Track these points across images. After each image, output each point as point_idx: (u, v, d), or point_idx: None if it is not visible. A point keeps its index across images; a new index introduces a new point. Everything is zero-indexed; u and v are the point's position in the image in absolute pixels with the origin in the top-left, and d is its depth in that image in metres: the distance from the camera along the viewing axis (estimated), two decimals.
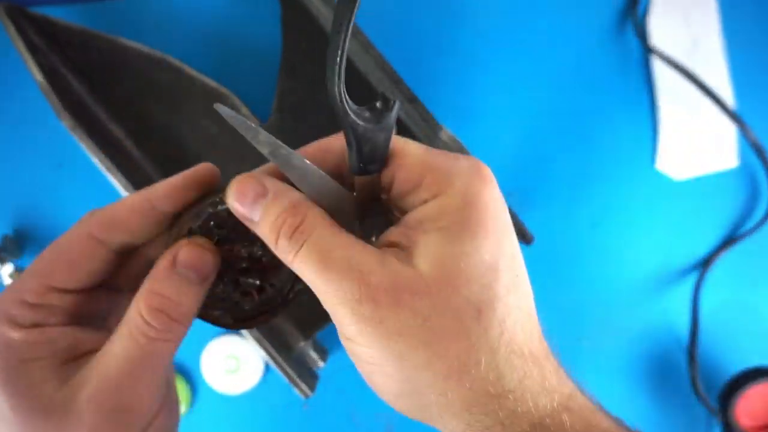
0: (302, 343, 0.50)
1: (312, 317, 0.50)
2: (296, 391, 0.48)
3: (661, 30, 0.54)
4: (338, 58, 0.21)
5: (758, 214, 0.54)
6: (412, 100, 0.44)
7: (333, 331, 0.57)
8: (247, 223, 0.22)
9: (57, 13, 0.49)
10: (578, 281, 0.54)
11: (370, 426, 0.56)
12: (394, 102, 0.22)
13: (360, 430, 0.56)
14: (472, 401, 0.20)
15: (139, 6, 0.53)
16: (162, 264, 0.22)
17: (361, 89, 0.46)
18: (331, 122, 0.48)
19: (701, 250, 0.54)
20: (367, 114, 0.22)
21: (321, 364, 0.52)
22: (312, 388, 0.49)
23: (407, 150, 0.22)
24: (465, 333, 0.20)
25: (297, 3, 0.45)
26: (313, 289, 0.21)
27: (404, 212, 0.22)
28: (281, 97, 0.48)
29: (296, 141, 0.49)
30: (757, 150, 0.52)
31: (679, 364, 0.54)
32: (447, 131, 0.45)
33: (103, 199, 0.53)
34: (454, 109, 0.53)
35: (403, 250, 0.21)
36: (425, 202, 0.21)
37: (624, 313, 0.54)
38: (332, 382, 0.55)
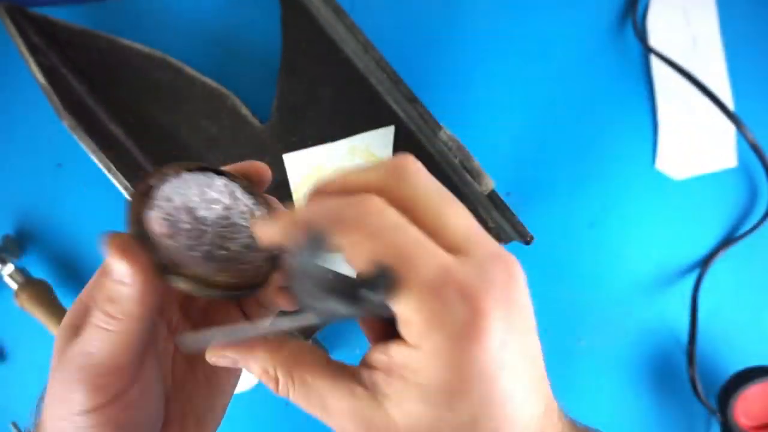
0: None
1: None
2: None
3: (661, 30, 0.54)
4: None
5: (757, 213, 0.54)
6: (412, 100, 0.44)
7: (333, 331, 0.58)
8: None
9: (57, 13, 0.49)
10: (577, 281, 0.54)
11: None
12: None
13: None
14: None
15: (139, 6, 0.53)
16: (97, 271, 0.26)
17: (361, 89, 0.47)
18: (331, 122, 0.48)
19: (700, 249, 0.54)
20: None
21: None
22: None
23: (419, 268, 0.20)
24: None
25: (297, 3, 0.46)
26: None
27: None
28: (281, 97, 0.48)
29: (297, 141, 0.49)
30: (756, 150, 0.52)
31: (678, 364, 0.54)
32: (446, 131, 0.45)
33: (103, 199, 0.53)
34: (454, 109, 0.53)
35: (380, 390, 0.21)
36: (412, 345, 0.20)
37: (623, 312, 0.54)
38: None
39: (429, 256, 0.20)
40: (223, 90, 0.48)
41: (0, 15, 0.45)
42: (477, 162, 0.44)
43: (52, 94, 0.44)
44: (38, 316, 0.50)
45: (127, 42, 0.47)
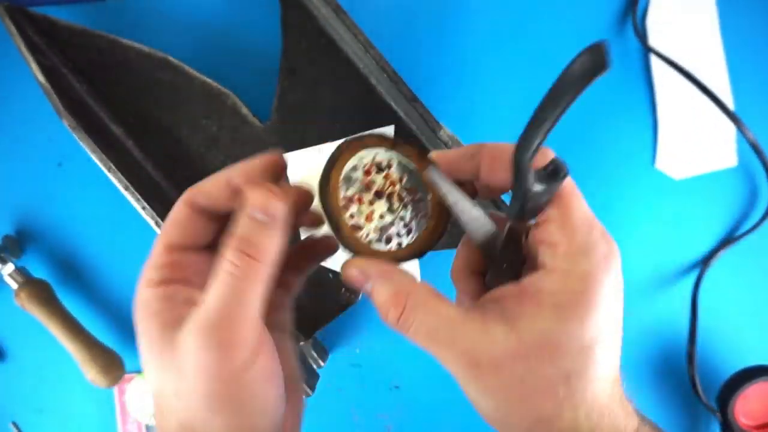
0: (302, 343, 0.51)
1: (312, 317, 0.50)
2: None
3: (661, 29, 0.54)
4: (544, 132, 0.23)
5: (757, 213, 0.54)
6: (412, 99, 0.44)
7: (333, 331, 0.58)
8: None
9: (57, 13, 0.49)
10: None
11: (370, 426, 0.56)
12: (565, 174, 0.25)
13: (360, 430, 0.56)
14: None
15: (139, 6, 0.53)
16: (241, 213, 0.25)
17: (361, 89, 0.47)
18: (331, 122, 0.48)
19: (700, 249, 0.54)
20: (539, 176, 0.25)
21: (321, 363, 0.52)
22: (312, 387, 0.49)
23: (570, 208, 0.25)
24: (553, 393, 0.23)
25: (297, 3, 0.46)
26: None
27: (532, 257, 0.25)
28: (281, 97, 0.48)
29: (297, 141, 0.49)
30: (756, 149, 0.52)
31: (678, 363, 0.54)
32: (446, 130, 0.45)
33: (103, 200, 0.53)
34: (454, 108, 0.53)
35: (511, 314, 0.24)
36: (549, 269, 0.24)
37: (624, 312, 0.54)
38: (332, 382, 0.55)
39: (581, 202, 0.25)
40: (223, 90, 0.48)
41: (0, 15, 0.45)
42: None
43: (52, 94, 0.44)
44: (38, 316, 0.50)
45: (127, 42, 0.47)
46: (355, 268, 0.26)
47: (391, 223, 0.28)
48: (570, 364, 0.23)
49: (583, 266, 0.23)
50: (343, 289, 0.49)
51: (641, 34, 0.53)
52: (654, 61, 0.53)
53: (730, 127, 0.53)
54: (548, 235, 0.24)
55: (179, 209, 0.27)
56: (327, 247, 0.31)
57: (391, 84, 0.44)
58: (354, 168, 0.29)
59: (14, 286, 0.51)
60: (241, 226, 0.24)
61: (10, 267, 0.51)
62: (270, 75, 0.49)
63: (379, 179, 0.29)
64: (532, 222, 0.26)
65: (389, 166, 0.29)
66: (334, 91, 0.47)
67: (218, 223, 0.28)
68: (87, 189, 0.54)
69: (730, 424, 0.50)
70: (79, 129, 0.44)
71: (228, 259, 0.24)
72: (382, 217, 0.28)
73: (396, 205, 0.29)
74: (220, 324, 0.23)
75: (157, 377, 0.25)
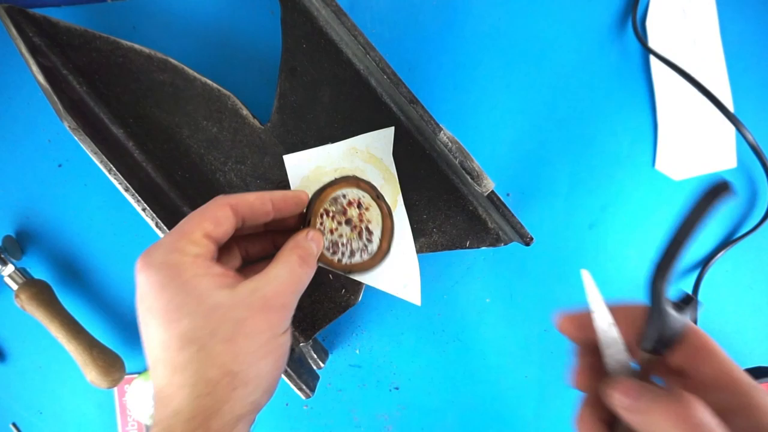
0: (302, 344, 0.51)
1: (312, 318, 0.50)
2: (297, 391, 0.48)
3: (660, 30, 0.54)
4: (680, 259, 0.24)
5: (757, 214, 0.54)
6: (412, 101, 0.44)
7: (333, 331, 0.58)
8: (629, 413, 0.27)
9: (58, 14, 0.49)
10: (577, 281, 0.54)
11: (370, 426, 0.56)
12: (698, 303, 0.26)
13: (360, 430, 0.56)
14: None
15: (140, 7, 0.53)
16: (300, 235, 0.37)
17: (361, 90, 0.47)
18: (331, 123, 0.48)
19: (700, 250, 0.54)
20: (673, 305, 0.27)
21: (321, 364, 0.52)
22: (312, 388, 0.49)
23: (713, 348, 0.27)
24: None
25: (297, 3, 0.46)
26: None
27: None
28: (281, 98, 0.48)
29: (297, 142, 0.49)
30: (755, 150, 0.52)
31: None
32: (447, 132, 0.45)
33: (103, 201, 0.53)
34: (454, 109, 0.53)
35: None
36: (724, 410, 0.24)
37: None
38: (332, 383, 0.55)
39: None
40: (224, 90, 0.48)
41: (0, 15, 0.45)
42: (477, 163, 0.44)
43: (53, 95, 0.44)
44: (38, 316, 0.50)
45: (127, 43, 0.47)
46: (636, 387, 0.26)
47: (343, 244, 0.40)
48: None
49: (761, 410, 0.24)
50: (343, 290, 0.49)
51: (641, 36, 0.53)
52: (654, 62, 0.53)
53: (730, 129, 0.53)
54: (707, 374, 0.26)
55: (221, 209, 0.34)
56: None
57: (391, 85, 0.44)
58: (344, 195, 0.40)
59: (14, 287, 0.51)
60: (303, 242, 0.36)
61: (10, 268, 0.51)
62: (270, 76, 0.49)
63: (354, 213, 0.40)
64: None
65: (367, 209, 0.40)
66: (334, 93, 0.47)
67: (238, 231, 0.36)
68: (87, 190, 0.54)
69: None
70: (79, 130, 0.44)
71: (297, 255, 0.35)
72: (340, 235, 0.40)
73: (353, 234, 0.40)
74: (282, 293, 0.32)
75: (206, 323, 0.29)
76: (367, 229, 0.40)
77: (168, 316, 0.29)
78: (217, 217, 0.33)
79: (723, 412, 0.24)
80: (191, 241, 0.31)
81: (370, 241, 0.40)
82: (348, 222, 0.39)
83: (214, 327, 0.29)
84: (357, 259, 0.40)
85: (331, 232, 0.39)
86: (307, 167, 0.48)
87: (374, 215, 0.40)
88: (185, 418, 0.28)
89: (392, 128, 0.47)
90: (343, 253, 0.39)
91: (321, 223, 0.39)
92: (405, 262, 0.47)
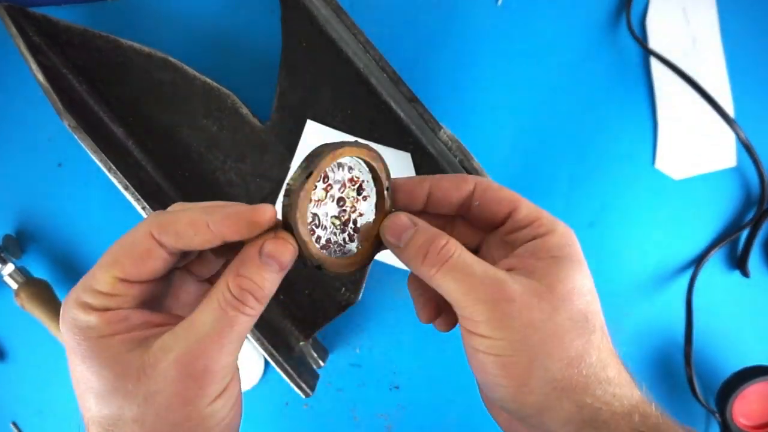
0: (302, 343, 0.51)
1: (312, 317, 0.50)
2: (296, 390, 0.48)
3: (660, 30, 0.54)
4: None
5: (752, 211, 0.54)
6: (412, 100, 0.44)
7: (333, 331, 0.58)
8: (394, 250, 0.28)
9: (58, 13, 0.49)
10: None
11: (370, 426, 0.56)
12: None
13: (360, 430, 0.56)
14: (586, 386, 0.25)
15: (140, 6, 0.53)
16: (250, 251, 0.25)
17: (361, 89, 0.47)
18: (331, 121, 0.48)
19: (700, 249, 0.54)
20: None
21: (321, 364, 0.52)
22: (312, 387, 0.49)
23: (523, 201, 0.29)
24: (580, 332, 0.25)
25: (297, 3, 0.46)
26: (451, 295, 0.26)
27: (512, 245, 0.28)
28: (281, 97, 0.48)
29: (296, 140, 0.49)
30: (748, 150, 0.52)
31: (676, 364, 0.54)
32: (447, 131, 0.45)
33: (103, 200, 0.53)
34: (454, 108, 0.53)
35: (526, 269, 0.26)
36: (534, 238, 0.28)
37: (622, 312, 0.54)
38: (332, 382, 0.55)
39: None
40: (223, 90, 0.48)
41: (0, 15, 0.45)
42: (477, 161, 0.44)
43: (53, 94, 0.44)
44: (38, 315, 0.50)
45: (127, 42, 0.47)
46: (406, 216, 0.28)
47: (323, 227, 0.28)
48: (584, 304, 0.26)
49: (560, 229, 0.28)
50: (343, 289, 0.49)
51: (641, 36, 0.53)
52: (654, 62, 0.53)
53: (730, 128, 0.53)
54: (521, 217, 0.29)
55: (141, 241, 0.25)
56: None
57: (391, 84, 0.44)
58: (351, 167, 0.29)
59: (14, 286, 0.51)
60: (249, 268, 0.25)
61: (10, 267, 0.51)
62: (270, 75, 0.49)
63: (351, 196, 0.29)
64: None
65: (365, 199, 0.29)
66: (334, 91, 0.47)
67: (179, 257, 0.27)
68: (87, 189, 0.54)
69: (729, 424, 0.50)
70: (79, 129, 0.44)
71: (230, 293, 0.24)
72: (325, 214, 0.28)
73: (336, 222, 0.29)
74: (207, 350, 0.24)
75: (111, 402, 0.24)
76: (354, 223, 0.29)
77: (78, 391, 0.25)
78: (136, 252, 0.25)
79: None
80: (95, 292, 0.25)
81: (351, 240, 0.29)
82: (340, 202, 0.29)
83: (121, 406, 0.24)
84: (329, 253, 0.29)
85: (317, 203, 0.28)
86: (320, 142, 0.48)
87: (367, 210, 0.30)
88: None
89: (408, 154, 0.47)
90: (318, 238, 0.28)
91: (315, 187, 0.27)
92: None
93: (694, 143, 0.54)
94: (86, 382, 0.24)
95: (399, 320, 0.55)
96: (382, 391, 0.55)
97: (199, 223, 0.25)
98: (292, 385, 0.48)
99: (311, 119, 0.48)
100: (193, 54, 0.51)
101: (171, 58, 0.48)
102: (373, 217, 0.30)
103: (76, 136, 0.44)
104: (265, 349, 0.47)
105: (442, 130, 0.45)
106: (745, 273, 0.53)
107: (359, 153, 0.28)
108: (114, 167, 0.44)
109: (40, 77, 0.44)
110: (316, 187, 0.27)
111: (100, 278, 0.25)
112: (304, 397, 0.48)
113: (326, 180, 0.28)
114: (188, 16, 0.53)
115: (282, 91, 0.48)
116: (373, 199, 0.30)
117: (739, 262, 0.54)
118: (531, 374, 0.25)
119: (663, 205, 0.54)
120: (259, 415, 0.55)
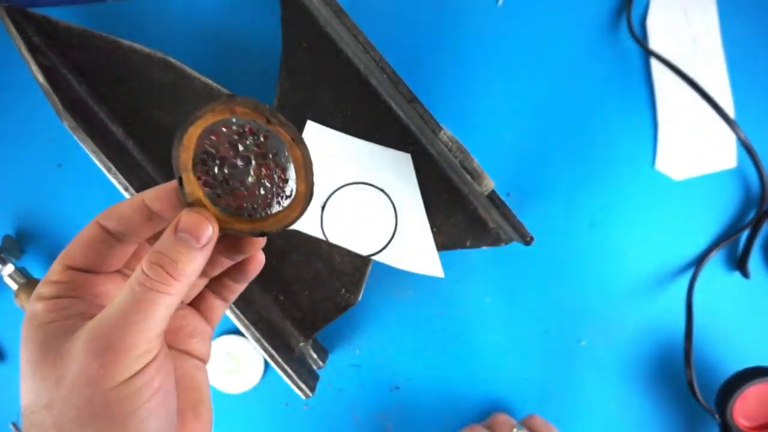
0: (302, 344, 0.51)
1: (312, 318, 0.50)
2: (296, 391, 0.48)
3: (661, 31, 0.54)
4: None
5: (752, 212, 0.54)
6: (412, 100, 0.44)
7: (333, 331, 0.58)
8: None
9: (57, 14, 0.49)
10: (578, 282, 0.54)
11: (370, 426, 0.56)
12: None
13: (360, 430, 0.56)
14: None
15: (140, 6, 0.53)
16: (168, 228, 0.25)
17: (361, 89, 0.47)
18: (331, 121, 0.48)
19: (700, 250, 0.54)
20: None
21: (321, 364, 0.52)
22: (312, 388, 0.49)
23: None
24: None
25: (297, 3, 0.46)
26: None
27: None
28: (281, 97, 0.48)
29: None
30: (748, 150, 0.52)
31: (676, 365, 0.54)
32: (447, 131, 0.45)
33: (103, 199, 0.53)
34: (454, 109, 0.53)
35: None
36: None
37: (623, 313, 0.54)
38: (332, 383, 0.55)
39: None
40: (223, 90, 0.48)
41: (0, 15, 0.45)
42: (477, 162, 0.44)
43: (52, 94, 0.44)
44: None
45: (127, 42, 0.47)
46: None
47: (246, 195, 0.27)
48: None
49: None
50: (343, 290, 0.49)
51: (641, 37, 0.53)
52: (654, 63, 0.53)
53: (730, 129, 0.53)
54: None
55: (88, 228, 0.26)
56: (247, 273, 0.29)
57: (391, 85, 0.44)
58: (224, 128, 0.27)
59: (14, 286, 0.51)
60: (164, 243, 0.24)
61: (10, 267, 0.51)
62: (270, 75, 0.49)
63: (250, 144, 0.27)
64: None
65: (265, 138, 0.27)
66: (334, 92, 0.47)
67: (130, 248, 0.27)
68: (87, 189, 0.54)
69: (729, 425, 0.50)
70: (79, 129, 0.44)
71: (141, 270, 0.24)
72: (241, 183, 0.26)
73: (256, 176, 0.27)
74: (112, 329, 0.23)
75: (30, 388, 0.24)
76: (275, 162, 0.27)
77: (23, 380, 0.25)
78: (82, 239, 0.26)
79: None
80: (48, 282, 0.25)
81: (284, 180, 0.27)
82: (244, 160, 0.26)
83: (37, 393, 0.24)
84: (275, 209, 0.27)
85: (226, 181, 0.26)
86: (322, 144, 0.47)
87: (276, 144, 0.27)
88: None
89: (409, 155, 0.47)
90: (254, 208, 0.26)
91: (203, 180, 0.26)
92: (416, 234, 0.46)
93: (694, 144, 0.54)
94: (29, 375, 0.25)
95: (399, 320, 0.55)
96: (382, 392, 0.55)
97: (136, 201, 0.26)
98: (292, 385, 0.48)
99: (311, 120, 0.48)
100: (193, 54, 0.51)
101: (171, 59, 0.48)
102: (286, 147, 0.27)
103: (75, 137, 0.44)
104: (265, 350, 0.47)
105: (442, 131, 0.45)
106: (745, 274, 0.53)
107: (209, 119, 0.26)
108: (114, 168, 0.44)
109: (40, 78, 0.44)
110: (206, 179, 0.26)
111: (53, 268, 0.26)
112: (304, 397, 0.48)
113: (214, 159, 0.26)
114: (188, 16, 0.53)
115: (282, 91, 0.48)
116: (273, 135, 0.27)
117: (739, 263, 0.54)
118: None
119: (663, 205, 0.54)
120: (259, 416, 0.55)
